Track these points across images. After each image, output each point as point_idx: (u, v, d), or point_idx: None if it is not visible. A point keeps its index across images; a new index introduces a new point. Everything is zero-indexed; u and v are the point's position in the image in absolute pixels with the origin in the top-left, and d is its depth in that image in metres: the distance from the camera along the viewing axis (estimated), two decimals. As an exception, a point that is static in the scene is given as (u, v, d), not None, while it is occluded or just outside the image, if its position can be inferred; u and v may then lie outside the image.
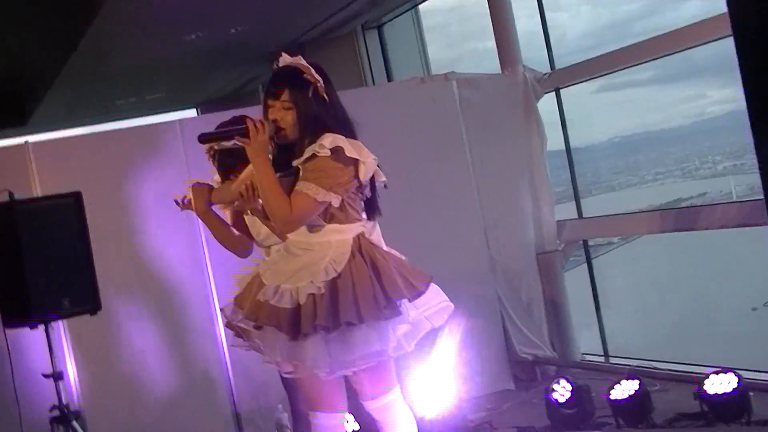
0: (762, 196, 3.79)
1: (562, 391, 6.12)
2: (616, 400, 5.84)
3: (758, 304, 9.09)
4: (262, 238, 4.23)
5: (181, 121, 7.31)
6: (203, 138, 3.58)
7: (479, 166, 7.93)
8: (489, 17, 8.38)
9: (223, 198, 4.16)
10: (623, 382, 5.88)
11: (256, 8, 9.24)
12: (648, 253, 9.63)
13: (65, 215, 5.60)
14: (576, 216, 8.32)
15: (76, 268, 5.54)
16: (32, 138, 6.95)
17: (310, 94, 3.57)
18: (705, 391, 5.53)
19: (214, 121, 6.60)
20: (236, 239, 4.41)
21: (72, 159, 6.79)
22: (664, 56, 7.50)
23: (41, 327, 5.42)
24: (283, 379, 4.30)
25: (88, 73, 10.64)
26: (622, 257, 10.01)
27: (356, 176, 3.53)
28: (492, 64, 8.54)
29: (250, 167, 3.67)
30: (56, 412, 5.44)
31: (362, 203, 3.71)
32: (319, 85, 3.60)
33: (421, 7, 10.58)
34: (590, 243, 8.58)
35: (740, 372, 5.60)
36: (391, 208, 7.32)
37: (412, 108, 7.72)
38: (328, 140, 3.47)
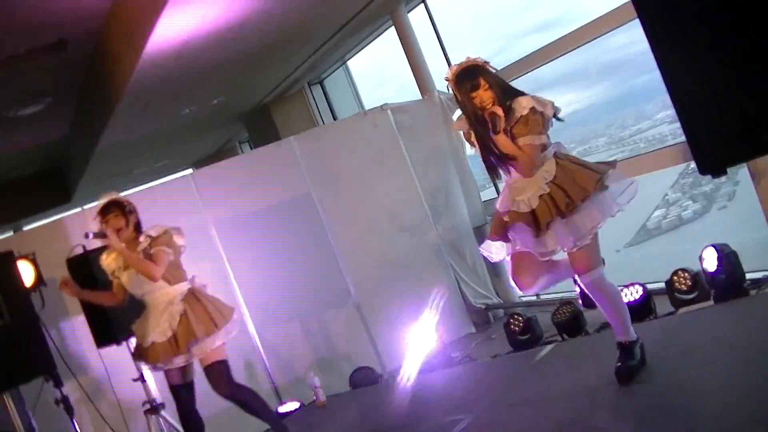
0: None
1: (516, 323, 6.22)
2: (558, 321, 5.95)
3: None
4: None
5: (192, 173, 7.28)
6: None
7: (419, 171, 8.02)
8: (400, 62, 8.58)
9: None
10: (561, 308, 5.98)
11: (229, 82, 9.27)
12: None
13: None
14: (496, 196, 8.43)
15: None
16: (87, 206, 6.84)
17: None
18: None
19: (214, 171, 6.60)
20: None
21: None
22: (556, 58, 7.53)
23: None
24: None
25: (111, 153, 10.60)
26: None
27: None
28: (413, 93, 8.71)
29: None
30: (147, 406, 5.44)
31: None
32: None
33: (349, 62, 10.66)
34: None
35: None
36: (362, 216, 7.46)
37: (360, 136, 7.81)
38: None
